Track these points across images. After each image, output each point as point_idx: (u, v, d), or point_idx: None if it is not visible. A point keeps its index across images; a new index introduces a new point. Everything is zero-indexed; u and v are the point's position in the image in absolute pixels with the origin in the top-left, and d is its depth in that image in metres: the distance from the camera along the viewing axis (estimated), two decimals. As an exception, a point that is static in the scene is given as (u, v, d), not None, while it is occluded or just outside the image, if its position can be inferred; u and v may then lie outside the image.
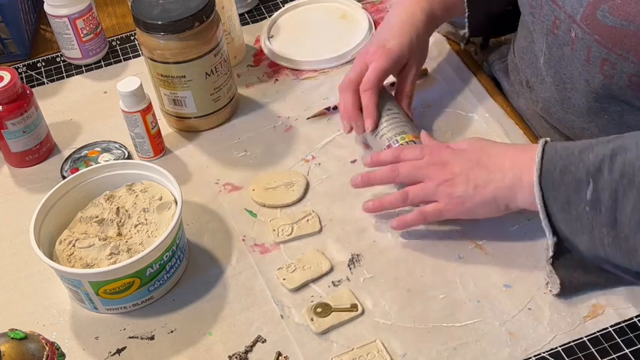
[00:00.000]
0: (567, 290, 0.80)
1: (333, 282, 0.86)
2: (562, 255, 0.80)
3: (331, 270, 0.87)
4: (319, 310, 0.83)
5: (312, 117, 1.07)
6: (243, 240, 0.92)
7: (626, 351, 0.76)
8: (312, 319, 0.82)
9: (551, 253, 0.79)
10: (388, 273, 0.86)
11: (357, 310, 0.82)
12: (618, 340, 0.77)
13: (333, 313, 0.82)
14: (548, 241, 0.79)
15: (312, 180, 0.98)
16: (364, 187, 0.91)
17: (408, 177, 0.87)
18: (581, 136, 0.91)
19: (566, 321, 0.79)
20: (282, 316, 0.83)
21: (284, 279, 0.86)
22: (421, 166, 0.86)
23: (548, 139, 0.80)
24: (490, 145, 0.85)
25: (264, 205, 0.96)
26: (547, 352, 0.77)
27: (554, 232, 0.79)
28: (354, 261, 0.88)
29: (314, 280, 0.86)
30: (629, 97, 0.82)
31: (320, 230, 0.92)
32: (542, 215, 0.78)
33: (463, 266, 0.86)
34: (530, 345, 0.78)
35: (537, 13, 0.87)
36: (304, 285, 0.86)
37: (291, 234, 0.91)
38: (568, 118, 0.91)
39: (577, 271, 0.80)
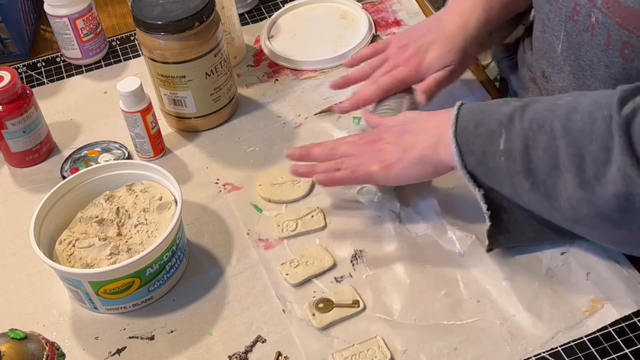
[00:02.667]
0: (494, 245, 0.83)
1: (335, 278, 0.86)
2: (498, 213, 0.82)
3: (334, 266, 0.87)
4: (321, 305, 0.83)
5: (319, 113, 1.07)
6: (248, 234, 0.92)
7: (626, 351, 0.76)
8: (313, 315, 0.82)
9: (484, 207, 0.81)
10: (390, 270, 0.86)
11: (359, 306, 0.82)
12: (618, 340, 0.77)
13: (334, 308, 0.82)
14: (476, 196, 0.81)
15: (318, 177, 0.98)
16: (300, 159, 0.92)
17: (344, 154, 0.89)
18: None
19: (566, 317, 0.79)
20: (284, 311, 0.84)
21: (287, 274, 0.86)
22: (357, 145, 0.89)
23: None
24: (420, 115, 0.88)
25: (269, 201, 0.96)
26: (547, 352, 0.77)
27: (479, 185, 0.80)
28: (356, 257, 0.88)
29: (317, 276, 0.86)
30: None
31: (324, 227, 0.92)
32: (459, 167, 0.80)
33: (464, 263, 0.86)
34: (530, 343, 0.78)
35: (555, 1, 0.87)
36: (307, 280, 0.86)
37: (295, 230, 0.91)
38: None
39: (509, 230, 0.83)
